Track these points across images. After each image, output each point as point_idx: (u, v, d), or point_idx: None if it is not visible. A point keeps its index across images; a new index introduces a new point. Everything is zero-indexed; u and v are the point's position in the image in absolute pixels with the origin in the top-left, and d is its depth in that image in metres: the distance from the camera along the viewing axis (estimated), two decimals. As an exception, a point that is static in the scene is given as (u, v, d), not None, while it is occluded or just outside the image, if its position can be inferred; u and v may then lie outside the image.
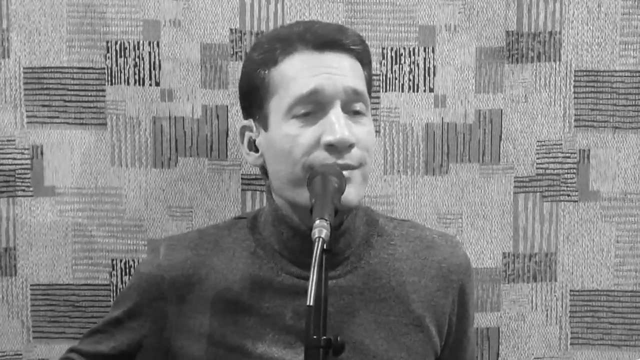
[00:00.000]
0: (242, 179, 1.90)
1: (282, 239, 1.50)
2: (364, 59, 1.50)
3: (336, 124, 1.39)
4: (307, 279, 1.21)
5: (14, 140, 1.89)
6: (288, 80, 1.43)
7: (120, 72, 1.89)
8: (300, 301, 1.37)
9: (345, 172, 1.39)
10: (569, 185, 1.96)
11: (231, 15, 1.89)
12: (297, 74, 1.42)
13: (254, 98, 1.48)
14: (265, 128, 1.47)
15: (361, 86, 1.46)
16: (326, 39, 1.44)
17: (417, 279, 1.55)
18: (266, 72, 1.45)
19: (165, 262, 1.53)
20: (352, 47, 1.47)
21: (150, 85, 1.89)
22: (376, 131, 1.74)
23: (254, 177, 1.89)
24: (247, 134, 1.52)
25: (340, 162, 1.40)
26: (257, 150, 1.50)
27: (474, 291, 1.68)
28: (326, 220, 1.25)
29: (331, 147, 1.40)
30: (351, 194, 1.41)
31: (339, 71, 1.43)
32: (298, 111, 1.42)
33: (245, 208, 1.91)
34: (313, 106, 1.42)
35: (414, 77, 1.93)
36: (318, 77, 1.42)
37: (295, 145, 1.41)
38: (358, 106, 1.45)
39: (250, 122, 1.51)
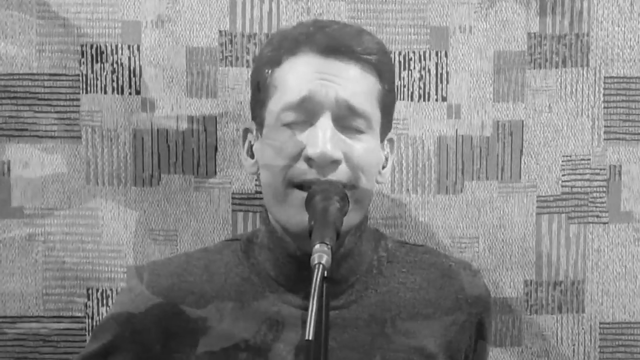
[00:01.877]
0: (232, 198, 1.82)
1: (279, 264, 1.44)
2: (381, 70, 1.42)
3: (319, 137, 1.34)
4: (306, 309, 1.13)
5: (-22, 156, 1.85)
6: (284, 83, 1.39)
7: (97, 79, 1.83)
8: (298, 334, 1.37)
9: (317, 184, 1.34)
10: (598, 205, 1.86)
11: (220, 15, 1.83)
12: (294, 78, 1.38)
13: (257, 98, 1.44)
14: (261, 133, 1.43)
15: (361, 103, 1.38)
16: (335, 42, 1.37)
17: (431, 312, 1.47)
18: (269, 71, 1.41)
19: (148, 291, 1.47)
20: (363, 55, 1.38)
21: (130, 94, 1.83)
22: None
23: (246, 196, 1.82)
24: (249, 137, 1.48)
25: (322, 179, 1.34)
26: (253, 157, 1.47)
27: (492, 325, 1.62)
28: (327, 244, 1.20)
29: (313, 162, 1.35)
30: (350, 218, 1.36)
31: (337, 80, 1.36)
32: (287, 118, 1.37)
33: (236, 230, 1.83)
34: (304, 115, 1.36)
35: (424, 84, 1.85)
36: (312, 83, 1.36)
37: (278, 155, 1.36)
38: (356, 124, 1.38)
39: (252, 125, 1.46)
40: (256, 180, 1.75)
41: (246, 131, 1.49)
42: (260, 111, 1.43)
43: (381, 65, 1.41)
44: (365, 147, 1.37)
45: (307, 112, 1.36)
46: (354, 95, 1.37)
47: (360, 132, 1.38)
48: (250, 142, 1.48)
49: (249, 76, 1.53)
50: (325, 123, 1.34)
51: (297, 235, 1.37)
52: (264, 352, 1.41)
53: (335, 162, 1.34)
